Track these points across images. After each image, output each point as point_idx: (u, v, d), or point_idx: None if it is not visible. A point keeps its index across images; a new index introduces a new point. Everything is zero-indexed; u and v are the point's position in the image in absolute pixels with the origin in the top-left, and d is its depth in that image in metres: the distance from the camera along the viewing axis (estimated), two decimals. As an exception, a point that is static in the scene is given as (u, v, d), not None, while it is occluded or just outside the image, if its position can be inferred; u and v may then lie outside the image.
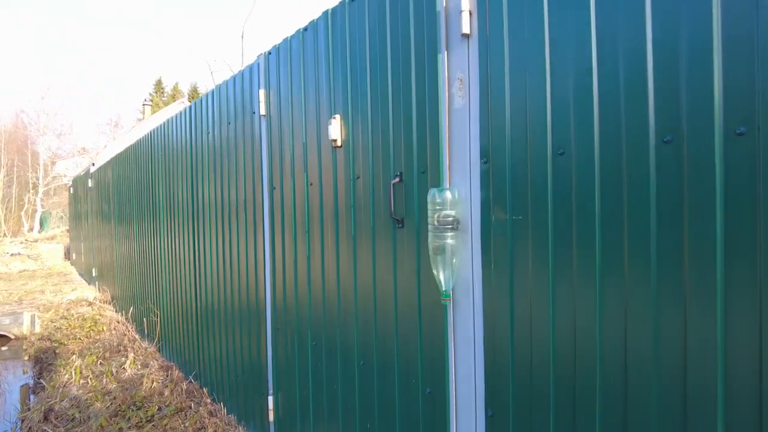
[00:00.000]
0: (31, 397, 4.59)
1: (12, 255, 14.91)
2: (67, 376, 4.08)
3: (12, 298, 8.07)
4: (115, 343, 5.01)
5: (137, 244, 5.53)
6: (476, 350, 1.50)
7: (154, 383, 3.84)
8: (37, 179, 28.41)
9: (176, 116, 4.26)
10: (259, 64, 2.81)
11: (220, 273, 3.39)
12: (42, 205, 28.14)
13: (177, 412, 3.25)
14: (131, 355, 4.33)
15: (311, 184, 2.34)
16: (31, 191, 29.09)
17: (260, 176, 2.81)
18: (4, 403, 4.91)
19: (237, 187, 3.10)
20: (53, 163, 31.15)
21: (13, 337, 6.98)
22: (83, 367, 4.19)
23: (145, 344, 5.00)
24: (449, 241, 1.49)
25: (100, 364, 4.28)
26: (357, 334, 2.02)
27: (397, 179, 1.74)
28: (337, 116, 2.08)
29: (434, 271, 1.53)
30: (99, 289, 8.09)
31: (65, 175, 31.49)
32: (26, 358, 6.28)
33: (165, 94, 69.76)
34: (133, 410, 3.28)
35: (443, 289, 1.52)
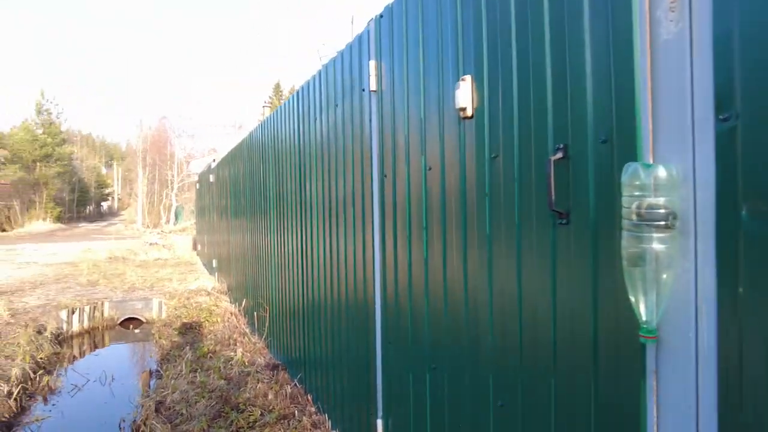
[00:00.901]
0: (152, 382, 4.74)
1: (150, 244, 16.54)
2: (179, 368, 4.10)
3: (146, 284, 8.73)
4: (226, 336, 5.03)
5: (249, 238, 5.54)
6: (700, 429, 0.93)
7: (259, 383, 3.67)
8: (174, 176, 31.53)
9: (284, 104, 4.08)
10: (369, 31, 2.42)
11: (327, 271, 3.09)
12: (176, 200, 31.20)
13: (279, 420, 3.01)
14: (239, 351, 4.25)
15: (430, 169, 1.89)
16: (169, 188, 32.36)
17: (369, 163, 2.43)
18: (136, 384, 5.18)
19: (345, 176, 2.76)
20: (187, 163, 34.35)
21: (144, 320, 7.50)
22: (194, 360, 4.19)
23: (254, 339, 4.95)
24: (657, 246, 0.95)
25: (210, 357, 4.26)
26: (492, 365, 1.53)
27: (559, 154, 1.21)
28: (467, 77, 1.60)
29: (629, 292, 0.99)
30: (218, 280, 8.46)
31: (195, 173, 34.70)
32: (153, 340, 6.67)
33: (282, 97, 74.39)
34: (235, 413, 3.11)
35: (644, 320, 0.98)
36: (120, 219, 51.58)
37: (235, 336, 4.97)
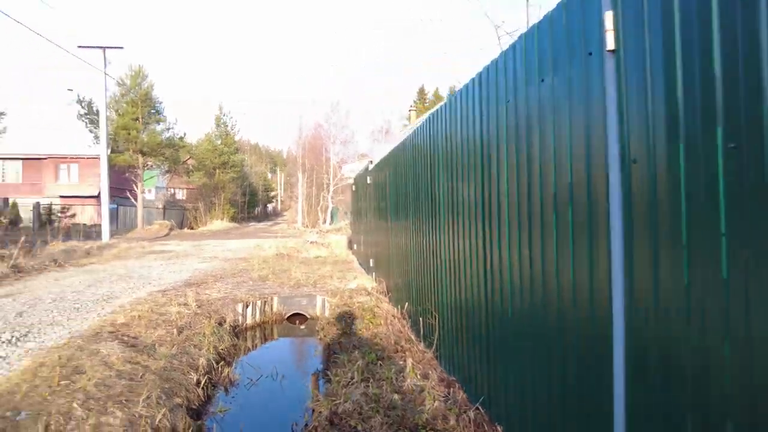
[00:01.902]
0: (320, 384, 4.68)
1: (310, 243, 17.61)
2: (350, 374, 3.92)
3: (309, 281, 9.09)
4: (392, 341, 4.79)
5: (412, 239, 5.26)
6: None
7: (436, 401, 3.30)
8: (329, 180, 33.61)
9: (456, 95, 3.66)
10: (604, -27, 1.86)
11: (520, 283, 2.58)
12: (331, 202, 33.20)
13: (467, 454, 2.59)
14: (410, 361, 3.94)
15: (734, 147, 1.28)
16: (325, 190, 34.59)
17: (602, 146, 1.86)
18: (304, 384, 5.23)
19: (557, 167, 2.22)
20: (340, 167, 36.35)
21: (308, 317, 7.73)
22: (364, 367, 3.98)
23: (421, 347, 4.63)
24: None
25: (380, 365, 4.02)
26: None
27: None
28: None
29: None
30: (375, 280, 8.44)
31: (348, 177, 36.63)
32: (317, 338, 6.80)
33: (427, 101, 75.32)
34: (416, 438, 2.76)
35: None
36: (283, 219, 56.90)
37: (402, 343, 4.71)
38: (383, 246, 7.65)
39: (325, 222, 33.19)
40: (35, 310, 6.20)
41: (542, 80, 2.36)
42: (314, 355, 6.04)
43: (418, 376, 3.73)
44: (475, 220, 3.26)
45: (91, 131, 26.33)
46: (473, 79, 3.33)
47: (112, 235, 19.47)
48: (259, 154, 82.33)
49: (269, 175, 76.30)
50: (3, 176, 34.66)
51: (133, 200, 27.75)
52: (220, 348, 5.40)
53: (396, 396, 3.37)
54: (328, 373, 4.32)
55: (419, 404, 3.23)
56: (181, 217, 32.14)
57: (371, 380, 3.61)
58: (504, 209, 2.81)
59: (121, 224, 26.78)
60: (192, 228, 31.02)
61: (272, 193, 69.69)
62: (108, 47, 17.73)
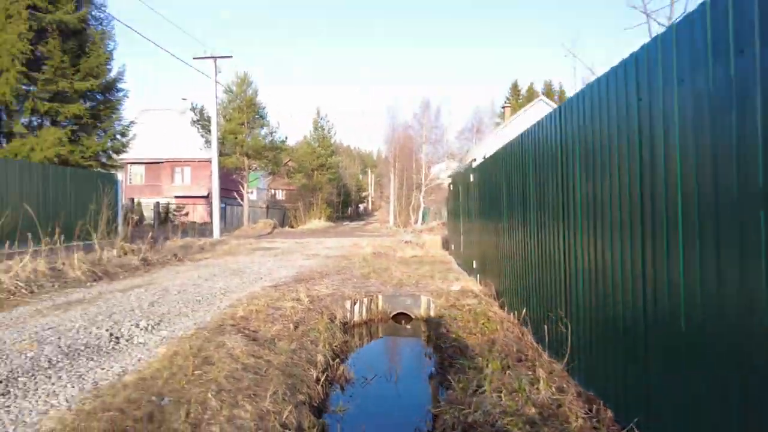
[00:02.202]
0: (440, 391, 4.48)
1: (405, 242, 17.58)
2: (475, 381, 3.69)
3: (410, 281, 8.96)
4: (514, 350, 4.47)
5: (535, 242, 4.89)
6: None
7: (579, 419, 2.96)
8: (421, 180, 33.52)
9: (602, 78, 3.28)
10: None
11: (706, 291, 2.19)
12: (423, 202, 33.08)
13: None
14: (540, 372, 3.62)
15: None
16: (416, 190, 34.54)
17: None
18: (418, 385, 5.08)
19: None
20: (429, 167, 36.13)
21: (413, 317, 7.60)
22: (491, 375, 3.72)
23: (546, 356, 4.27)
24: None
25: (507, 374, 3.73)
26: None
27: None
28: None
29: None
30: (480, 282, 8.11)
31: (438, 177, 36.31)
32: (423, 339, 6.62)
33: (521, 96, 72.61)
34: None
35: None
36: (374, 219, 57.92)
37: (524, 350, 4.38)
38: (491, 247, 7.31)
39: (416, 222, 33.15)
40: (164, 300, 6.67)
41: (741, 51, 1.96)
42: (425, 356, 5.87)
43: (553, 390, 3.39)
44: (630, 223, 2.87)
45: (202, 136, 28.49)
46: (625, 62, 2.95)
47: (221, 232, 20.87)
48: (351, 156, 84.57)
49: (361, 177, 78.07)
50: (130, 179, 38.69)
51: (239, 200, 29.61)
52: (334, 345, 5.41)
53: (533, 411, 3.07)
54: (449, 378, 4.11)
55: (562, 421, 2.91)
56: (282, 216, 33.83)
57: (503, 391, 3.34)
58: (676, 210, 2.41)
59: (228, 222, 28.69)
60: (292, 226, 32.51)
61: (364, 194, 71.24)
62: (218, 57, 19.01)
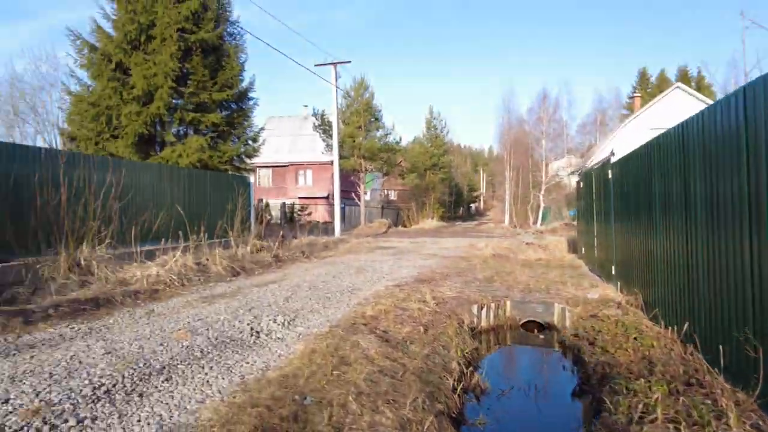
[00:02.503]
0: (592, 413, 4.02)
1: (526, 244, 16.74)
2: (640, 407, 3.20)
3: (539, 286, 8.40)
4: (679, 371, 3.86)
5: (704, 244, 4.19)
6: None
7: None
8: (539, 178, 31.89)
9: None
10: None
11: None
12: (543, 201, 31.42)
13: None
14: (724, 403, 3.02)
15: None
16: (533, 189, 32.92)
17: None
18: (560, 402, 4.65)
19: None
20: (546, 165, 34.25)
21: (545, 325, 7.07)
22: (658, 400, 3.21)
23: (723, 382, 3.61)
24: None
25: (680, 402, 3.19)
26: None
27: None
28: None
29: None
30: (622, 291, 7.30)
31: (558, 174, 34.23)
32: (560, 350, 6.10)
33: (650, 85, 65.90)
34: None
35: None
36: (486, 218, 56.54)
37: (697, 375, 3.74)
38: (638, 252, 6.52)
39: (535, 222, 31.59)
40: (296, 296, 6.93)
41: None
42: (564, 370, 5.38)
43: (748, 428, 2.80)
44: None
45: (323, 140, 29.88)
46: None
47: (341, 231, 21.66)
48: (461, 154, 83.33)
49: (472, 175, 76.69)
50: (258, 181, 41.97)
51: (356, 200, 30.60)
52: (465, 351, 5.16)
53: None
54: (603, 399, 3.64)
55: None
56: (395, 215, 34.38)
57: (681, 423, 2.83)
58: None
59: (347, 222, 29.77)
60: (405, 226, 32.85)
61: (475, 193, 69.86)
62: (337, 63, 19.75)
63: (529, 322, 7.21)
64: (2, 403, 3.09)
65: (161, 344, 4.47)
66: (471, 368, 4.85)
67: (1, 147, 7.94)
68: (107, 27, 15.27)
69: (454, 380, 4.20)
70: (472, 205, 72.72)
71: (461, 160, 77.52)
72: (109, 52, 14.83)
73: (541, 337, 6.79)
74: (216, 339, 4.70)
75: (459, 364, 4.65)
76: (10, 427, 2.78)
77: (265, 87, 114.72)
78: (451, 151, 61.06)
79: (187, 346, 4.43)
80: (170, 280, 7.49)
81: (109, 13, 15.28)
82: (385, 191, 50.00)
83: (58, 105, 24.72)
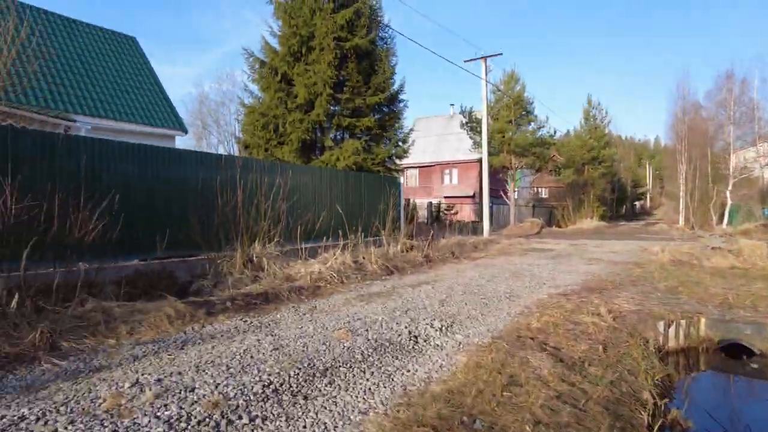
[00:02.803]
0: None
1: (712, 249, 14.24)
2: None
3: (740, 301, 6.92)
4: None
5: None
6: None
7: None
8: (725, 171, 27.20)
9: None
10: None
11: None
12: (730, 198, 26.75)
13: None
14: None
15: None
16: (714, 184, 28.20)
17: None
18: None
19: None
20: (731, 155, 29.08)
21: (757, 351, 5.75)
22: None
23: None
24: None
25: None
26: None
27: None
28: None
29: None
30: None
31: (747, 166, 28.75)
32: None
33: None
34: None
35: None
36: (653, 218, 50.23)
37: None
38: None
39: (720, 222, 27.02)
40: (451, 300, 6.64)
41: None
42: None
43: None
44: None
45: (471, 137, 29.30)
46: None
47: (489, 232, 20.93)
48: (623, 146, 75.47)
49: (637, 170, 68.94)
50: (406, 181, 42.94)
51: (505, 199, 29.43)
52: (655, 377, 4.34)
53: None
54: None
55: None
56: (547, 215, 32.27)
57: None
58: None
59: (495, 221, 28.80)
60: (559, 226, 30.64)
61: (641, 189, 62.57)
62: (488, 56, 19.05)
63: (731, 345, 5.93)
64: (189, 391, 3.31)
65: (324, 343, 4.52)
66: (665, 399, 4.04)
67: (191, 154, 9.09)
68: (273, 42, 16.77)
69: (648, 415, 3.50)
70: (637, 203, 65.27)
71: (623, 153, 70.15)
72: (275, 66, 16.25)
73: (753, 366, 5.51)
74: (375, 341, 4.62)
75: (651, 394, 3.89)
76: (195, 417, 2.93)
77: (411, 88, 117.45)
78: (612, 143, 55.55)
79: (348, 348, 4.40)
80: (330, 277, 7.77)
81: (275, 30, 16.76)
82: (535, 189, 47.37)
83: (235, 117, 28.14)
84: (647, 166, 72.68)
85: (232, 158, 9.96)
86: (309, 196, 11.48)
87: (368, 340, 4.66)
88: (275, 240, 8.10)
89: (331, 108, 16.42)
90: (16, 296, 4.57)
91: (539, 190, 47.85)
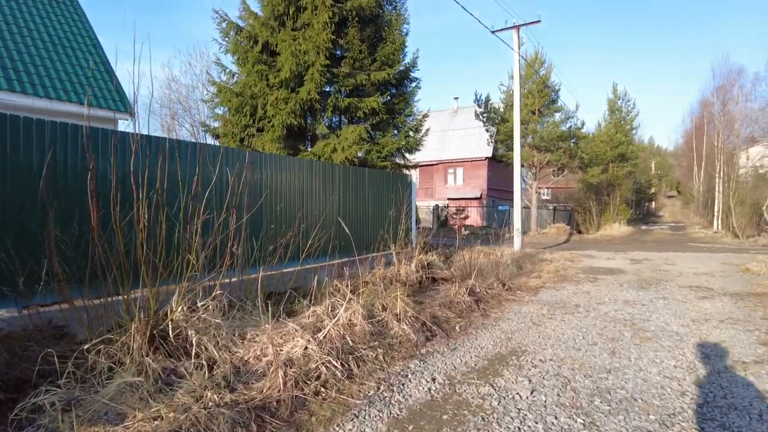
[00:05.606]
0: None
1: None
2: None
3: None
4: None
5: None
6: None
7: None
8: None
9: None
10: None
11: None
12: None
13: None
14: None
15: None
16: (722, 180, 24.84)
17: None
18: None
19: None
20: (734, 151, 25.88)
21: None
22: None
23: None
24: None
25: None
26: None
27: None
28: None
29: None
30: None
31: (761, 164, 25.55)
32: None
33: None
34: None
35: None
36: (661, 219, 46.95)
37: None
38: None
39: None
40: (580, 414, 3.05)
41: None
42: None
43: None
44: None
45: (487, 130, 25.74)
46: None
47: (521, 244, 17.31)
48: (639, 145, 72.15)
49: (652, 170, 65.62)
50: (407, 181, 39.34)
51: (525, 201, 25.85)
52: None
53: None
54: None
55: None
56: (566, 219, 28.70)
57: None
58: None
59: (511, 227, 25.23)
60: (580, 232, 27.04)
61: (651, 190, 59.36)
62: (521, 25, 15.41)
63: None
64: None
65: None
66: None
67: (30, 121, 5.36)
68: (255, 6, 13.16)
69: None
70: (646, 205, 62.09)
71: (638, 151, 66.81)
72: (255, 33, 12.62)
73: None
74: None
75: None
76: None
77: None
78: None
79: None
80: (326, 367, 4.06)
81: (256, -12, 13.12)
82: (547, 190, 43.78)
83: (201, 99, 23.90)
84: (652, 165, 69.57)
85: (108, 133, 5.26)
86: (293, 200, 7.85)
87: None
88: (220, 280, 4.43)
89: (326, 86, 12.79)
90: None
91: (546, 191, 44.26)
